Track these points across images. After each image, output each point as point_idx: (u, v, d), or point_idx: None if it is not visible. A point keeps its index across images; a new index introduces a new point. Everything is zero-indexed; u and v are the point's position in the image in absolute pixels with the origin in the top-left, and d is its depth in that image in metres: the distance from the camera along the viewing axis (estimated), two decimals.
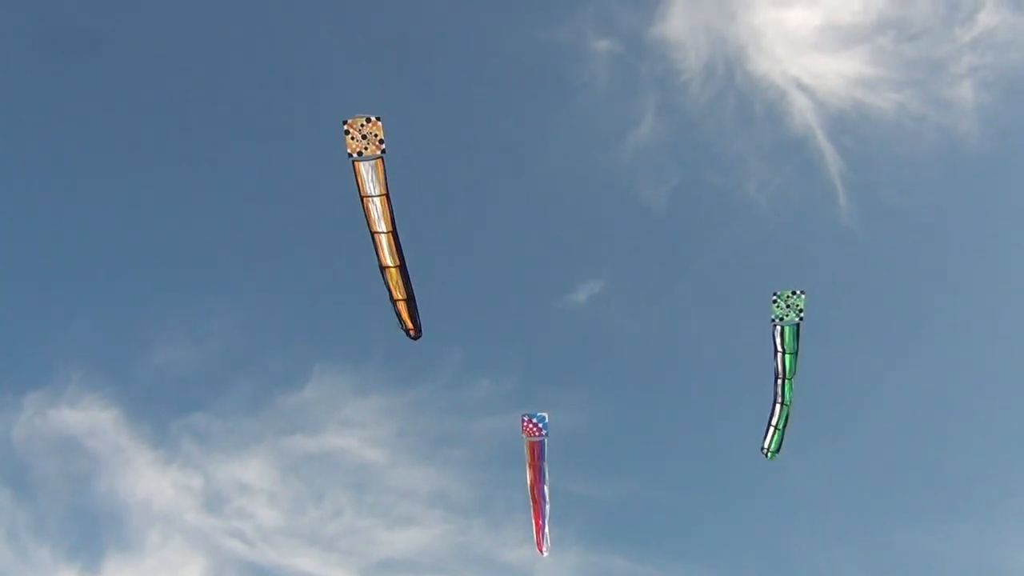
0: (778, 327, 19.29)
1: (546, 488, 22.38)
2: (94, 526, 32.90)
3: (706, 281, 34.48)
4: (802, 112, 32.43)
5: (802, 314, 19.02)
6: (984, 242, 33.61)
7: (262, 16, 33.82)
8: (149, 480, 33.15)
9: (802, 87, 32.37)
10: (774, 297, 19.05)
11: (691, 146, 33.91)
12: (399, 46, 32.51)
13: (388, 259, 16.73)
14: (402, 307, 17.48)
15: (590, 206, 34.92)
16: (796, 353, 19.62)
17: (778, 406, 20.90)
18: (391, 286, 17.10)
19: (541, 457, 21.91)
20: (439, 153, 34.10)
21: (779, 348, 19.65)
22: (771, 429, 21.58)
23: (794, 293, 18.96)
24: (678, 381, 35.20)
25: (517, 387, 33.26)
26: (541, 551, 23.29)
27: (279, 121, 32.64)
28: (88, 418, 32.88)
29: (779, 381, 20.36)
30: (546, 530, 23.06)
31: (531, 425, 21.64)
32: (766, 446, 21.93)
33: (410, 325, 17.76)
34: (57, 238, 34.08)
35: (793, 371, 20.05)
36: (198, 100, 34.01)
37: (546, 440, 21.76)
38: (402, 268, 16.84)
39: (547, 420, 21.67)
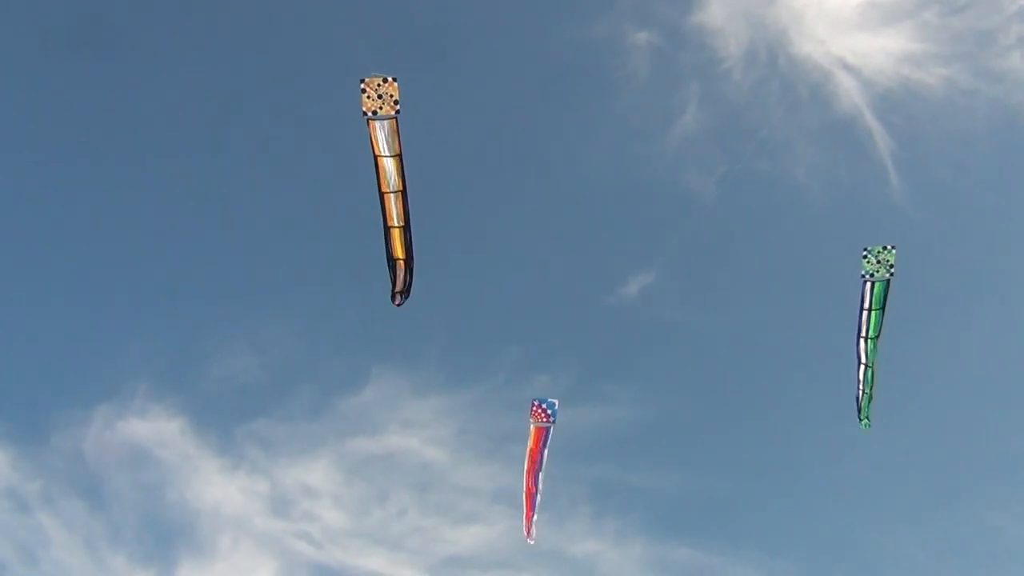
0: (868, 283, 19.11)
1: (541, 475, 22.16)
2: (167, 533, 33.60)
3: (758, 268, 34.21)
4: (848, 93, 31.93)
5: (892, 269, 18.86)
6: None
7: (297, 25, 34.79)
8: (217, 486, 33.66)
9: (847, 67, 31.82)
10: (864, 252, 18.90)
11: (737, 133, 33.68)
12: (442, 46, 33.11)
13: (396, 219, 16.93)
14: (400, 266, 17.56)
15: (637, 198, 34.82)
16: (883, 310, 19.39)
17: (863, 367, 20.57)
18: (393, 246, 17.30)
19: (545, 444, 21.78)
20: (486, 154, 34.58)
21: (866, 305, 19.40)
22: (861, 394, 21.24)
23: (884, 248, 18.83)
24: (734, 369, 34.78)
25: (574, 382, 33.02)
26: (529, 537, 22.87)
27: (332, 133, 33.41)
28: (155, 428, 33.48)
29: (862, 340, 20.04)
30: (535, 517, 22.72)
31: (540, 411, 21.59)
32: (862, 414, 21.62)
33: (401, 287, 17.76)
34: (118, 255, 35.02)
35: (878, 329, 19.77)
36: (253, 114, 35.08)
37: (552, 428, 21.66)
38: (406, 228, 17.08)
39: (556, 407, 21.58)
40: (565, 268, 34.86)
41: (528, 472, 22.21)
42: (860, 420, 21.82)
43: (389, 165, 16.44)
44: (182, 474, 33.85)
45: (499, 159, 34.61)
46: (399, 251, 17.45)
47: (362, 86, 15.92)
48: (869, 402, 21.38)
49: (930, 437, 33.67)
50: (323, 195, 34.45)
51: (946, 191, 32.62)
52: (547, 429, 21.73)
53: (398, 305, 18.09)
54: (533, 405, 21.66)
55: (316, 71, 33.61)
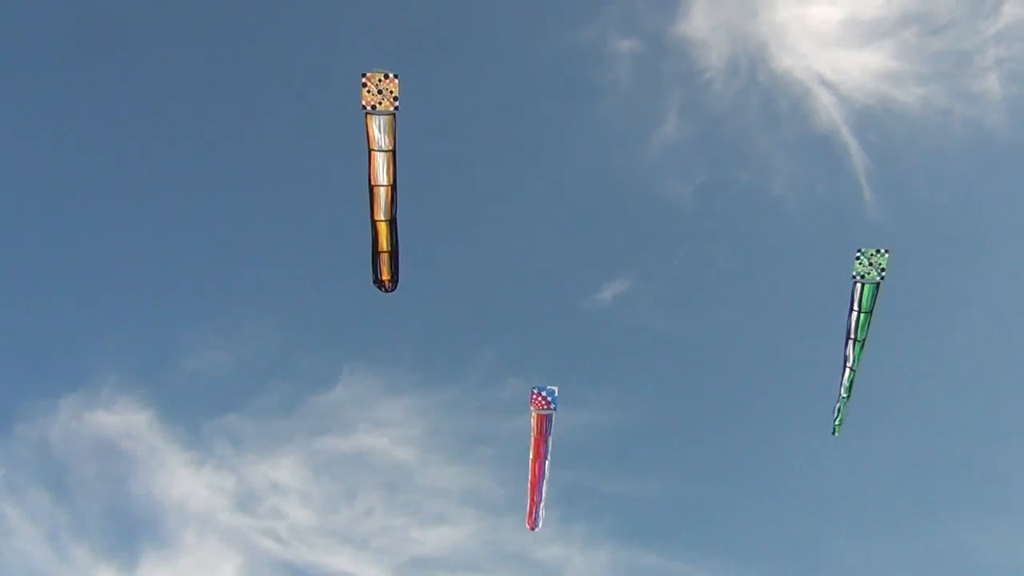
0: (858, 285, 19.41)
1: (547, 463, 22.49)
2: (131, 526, 33.48)
3: (733, 277, 34.38)
4: (826, 108, 32.24)
5: (883, 273, 19.13)
6: (1017, 234, 33.29)
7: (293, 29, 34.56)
8: (183, 481, 33.62)
9: (826, 83, 32.05)
10: (857, 254, 19.14)
11: (716, 144, 33.90)
12: (421, 50, 33.04)
13: (383, 213, 17.39)
14: (384, 259, 18.06)
15: (615, 205, 34.77)
16: (871, 313, 19.68)
17: (847, 371, 20.87)
18: (379, 239, 17.75)
19: (547, 431, 22.03)
20: (464, 155, 34.43)
21: (855, 307, 19.72)
22: (841, 399, 21.58)
23: (878, 252, 19.05)
24: (707, 377, 34.96)
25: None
26: (532, 527, 23.38)
27: (312, 129, 33.26)
28: (123, 420, 33.16)
29: (849, 342, 20.35)
30: (540, 507, 23.16)
31: (540, 398, 21.78)
32: (836, 420, 21.95)
33: (387, 276, 18.28)
34: (91, 244, 34.46)
35: (865, 332, 20.08)
36: (231, 110, 34.68)
37: (554, 414, 21.89)
38: (392, 223, 17.53)
39: (556, 394, 21.76)
40: (542, 272, 34.89)
41: (533, 461, 22.52)
42: (835, 427, 22.12)
43: (382, 160, 16.74)
44: (148, 467, 33.75)
45: (479, 162, 34.61)
46: (385, 244, 17.86)
47: (363, 80, 16.09)
48: (845, 408, 21.68)
49: (903, 451, 33.95)
50: (302, 191, 34.28)
51: (919, 207, 32.98)
52: (548, 416, 21.99)
53: (388, 291, 18.55)
54: (533, 393, 21.86)
55: (304, 68, 33.51)
